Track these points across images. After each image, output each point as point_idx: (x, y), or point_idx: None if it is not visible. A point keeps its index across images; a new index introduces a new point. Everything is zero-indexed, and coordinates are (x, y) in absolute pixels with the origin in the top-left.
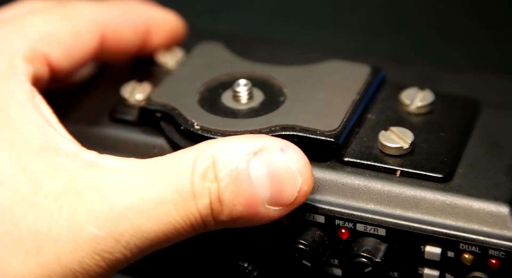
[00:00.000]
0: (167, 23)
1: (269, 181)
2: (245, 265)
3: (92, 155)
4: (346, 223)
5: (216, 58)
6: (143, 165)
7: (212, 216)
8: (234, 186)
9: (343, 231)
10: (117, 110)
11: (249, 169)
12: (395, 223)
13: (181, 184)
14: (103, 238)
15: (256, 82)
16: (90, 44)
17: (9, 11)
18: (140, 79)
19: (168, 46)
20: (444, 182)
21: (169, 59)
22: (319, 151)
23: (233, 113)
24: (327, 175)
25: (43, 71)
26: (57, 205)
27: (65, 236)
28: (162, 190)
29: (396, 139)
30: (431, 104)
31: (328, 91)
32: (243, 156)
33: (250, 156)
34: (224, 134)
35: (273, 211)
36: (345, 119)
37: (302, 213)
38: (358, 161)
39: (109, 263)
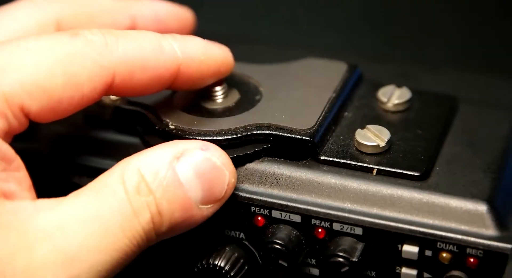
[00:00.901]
0: (206, 64)
1: (198, 181)
2: (221, 265)
3: (30, 203)
4: (323, 222)
5: None
6: (78, 198)
7: (154, 230)
8: (169, 194)
9: (320, 230)
10: (92, 110)
11: (178, 174)
12: (372, 222)
13: (120, 205)
14: None
15: (232, 81)
16: (89, 96)
17: (12, 24)
18: None
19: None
20: (421, 180)
21: None
22: (295, 149)
23: (208, 113)
24: (303, 174)
25: (17, 123)
26: (10, 266)
27: None
28: (105, 218)
29: (373, 137)
30: (408, 101)
31: (304, 89)
32: (167, 163)
33: (175, 162)
34: (199, 134)
35: (206, 210)
36: (321, 118)
37: (278, 213)
38: (334, 159)
39: None
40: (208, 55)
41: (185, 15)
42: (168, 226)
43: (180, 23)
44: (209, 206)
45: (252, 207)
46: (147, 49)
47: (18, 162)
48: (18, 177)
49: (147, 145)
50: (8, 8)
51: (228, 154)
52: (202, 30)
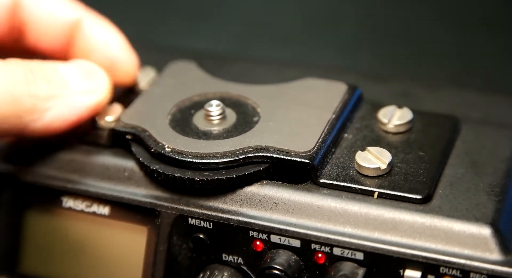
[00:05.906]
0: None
1: (75, 69)
2: None
3: None
4: (323, 247)
5: (188, 77)
6: None
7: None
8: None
9: (320, 255)
10: (87, 133)
11: (58, 67)
12: (373, 246)
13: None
14: None
15: (229, 102)
16: None
17: None
18: (111, 100)
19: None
20: (423, 203)
21: (141, 79)
22: (294, 172)
23: (205, 135)
24: (302, 198)
25: None
26: None
27: None
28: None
29: (373, 159)
30: (410, 122)
31: (303, 110)
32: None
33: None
34: (196, 156)
35: (86, 96)
36: (320, 140)
37: (277, 237)
38: (334, 182)
39: None
40: None
41: None
42: (45, 94)
43: None
44: (89, 94)
45: (250, 232)
46: None
47: None
48: None
49: (144, 168)
50: None
51: (226, 175)
52: (199, 50)
